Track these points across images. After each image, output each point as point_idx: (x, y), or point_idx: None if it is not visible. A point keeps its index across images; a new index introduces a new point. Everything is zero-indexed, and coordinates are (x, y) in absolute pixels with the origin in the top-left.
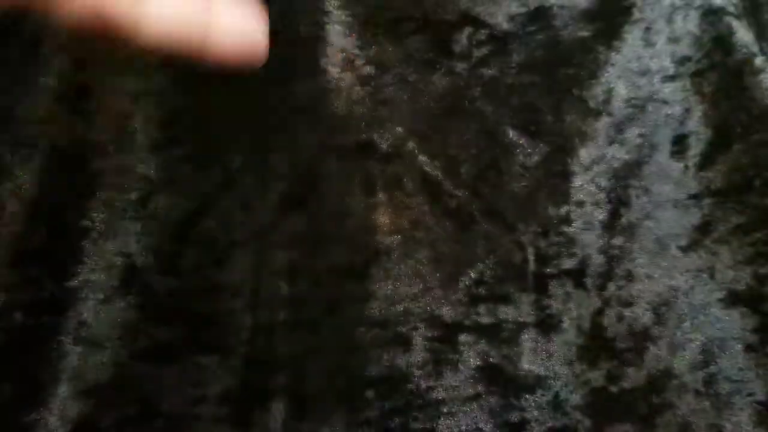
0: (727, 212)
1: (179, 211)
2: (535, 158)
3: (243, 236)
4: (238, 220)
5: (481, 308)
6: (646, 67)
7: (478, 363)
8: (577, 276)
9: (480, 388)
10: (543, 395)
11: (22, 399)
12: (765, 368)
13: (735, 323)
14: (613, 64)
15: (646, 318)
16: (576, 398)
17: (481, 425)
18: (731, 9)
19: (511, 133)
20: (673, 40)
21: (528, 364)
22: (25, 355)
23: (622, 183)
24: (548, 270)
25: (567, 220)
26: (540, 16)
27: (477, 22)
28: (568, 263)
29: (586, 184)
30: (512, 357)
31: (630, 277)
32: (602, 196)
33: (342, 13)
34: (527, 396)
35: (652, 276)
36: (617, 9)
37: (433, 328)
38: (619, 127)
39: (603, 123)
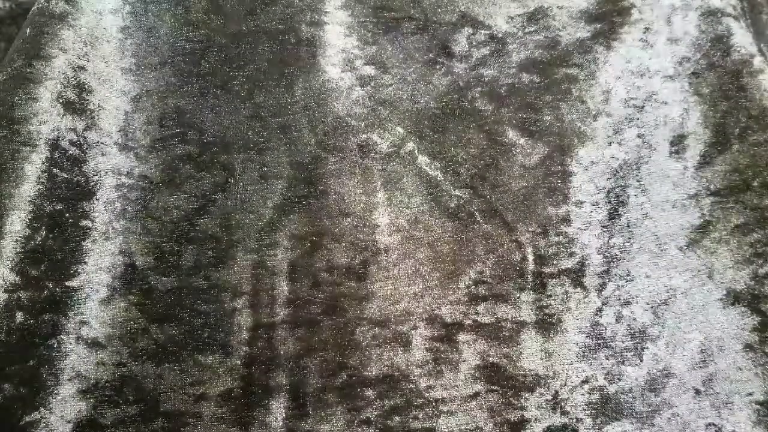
0: (726, 212)
1: (179, 211)
2: (535, 158)
3: (243, 236)
4: (238, 220)
5: (481, 307)
6: (645, 67)
7: (477, 362)
8: (577, 275)
9: (480, 387)
10: (542, 394)
11: (22, 399)
12: (764, 368)
13: (734, 323)
14: (611, 65)
15: (645, 317)
16: (575, 397)
17: (480, 424)
18: (730, 10)
19: (511, 133)
20: (672, 40)
21: (527, 364)
22: (25, 355)
23: (621, 183)
24: (547, 269)
25: (566, 220)
26: (539, 16)
27: (477, 23)
28: (568, 263)
29: (585, 184)
30: (512, 356)
31: (629, 276)
32: (601, 196)
33: (342, 13)
34: (527, 395)
35: (651, 275)
36: (616, 9)
37: (432, 327)
38: (618, 128)
39: (602, 123)
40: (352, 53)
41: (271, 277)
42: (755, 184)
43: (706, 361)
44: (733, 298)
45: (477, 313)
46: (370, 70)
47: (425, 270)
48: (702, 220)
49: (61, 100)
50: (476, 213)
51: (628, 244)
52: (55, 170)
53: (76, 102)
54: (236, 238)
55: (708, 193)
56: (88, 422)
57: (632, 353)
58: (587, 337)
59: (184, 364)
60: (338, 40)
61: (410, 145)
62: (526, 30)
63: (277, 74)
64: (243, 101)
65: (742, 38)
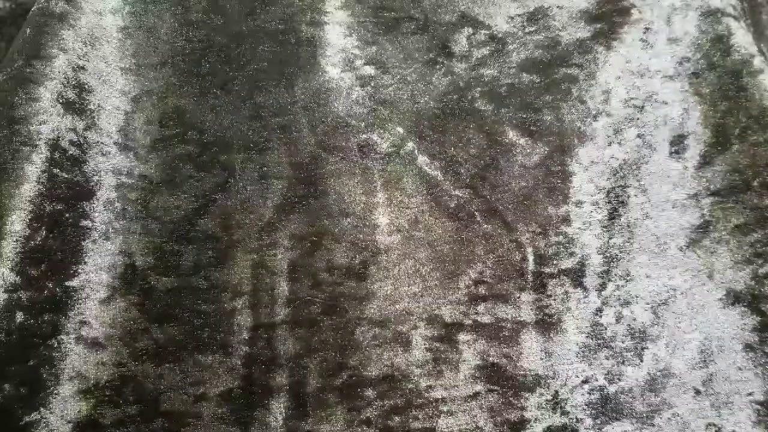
0: (726, 212)
1: (179, 211)
2: (535, 158)
3: (243, 236)
4: (238, 220)
5: (481, 307)
6: (645, 67)
7: (477, 362)
8: (576, 275)
9: (480, 387)
10: (542, 394)
11: (22, 399)
12: (764, 368)
13: (734, 323)
14: (611, 65)
15: (645, 317)
16: (575, 397)
17: (480, 424)
18: (730, 10)
19: (511, 133)
20: (672, 40)
21: (527, 364)
22: (25, 355)
23: (621, 183)
24: (547, 269)
25: (566, 220)
26: (539, 16)
27: (477, 23)
28: (568, 263)
29: (585, 184)
30: (512, 356)
31: (629, 276)
32: (601, 196)
33: (342, 13)
34: (527, 395)
35: (651, 275)
36: (616, 9)
37: (432, 327)
38: (618, 128)
39: (602, 123)
40: (352, 53)
41: (271, 277)
42: (755, 184)
43: (706, 361)
44: (733, 298)
45: (477, 313)
46: (370, 70)
47: (425, 270)
48: (702, 220)
49: (61, 100)
50: (476, 213)
51: (628, 244)
52: (55, 170)
53: (76, 102)
54: (236, 238)
55: (708, 193)
56: (88, 422)
57: (632, 353)
58: (587, 337)
59: (184, 364)
60: (338, 40)
61: (410, 145)
62: (526, 30)
63: (277, 74)
64: (243, 101)
65: (742, 38)
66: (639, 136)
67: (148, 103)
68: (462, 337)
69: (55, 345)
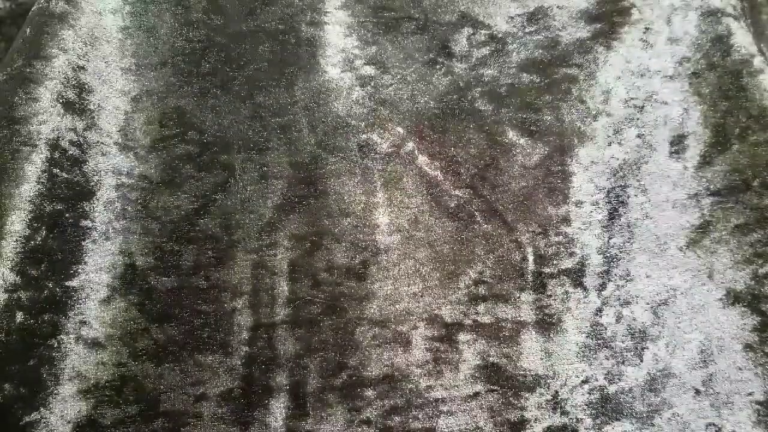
0: (726, 212)
1: (179, 211)
2: (535, 158)
3: (243, 236)
4: (238, 220)
5: (481, 307)
6: (645, 67)
7: (477, 362)
8: (576, 275)
9: (480, 387)
10: (542, 394)
11: (22, 399)
12: (764, 368)
13: (734, 323)
14: (611, 65)
15: (645, 317)
16: (575, 397)
17: (480, 424)
18: (730, 10)
19: (511, 133)
20: (672, 40)
21: (527, 364)
22: (25, 355)
23: (621, 183)
24: (547, 269)
25: (566, 220)
26: (539, 16)
27: (477, 23)
28: (568, 263)
29: (585, 184)
30: (512, 356)
31: (629, 276)
32: (601, 196)
33: (342, 13)
34: (527, 395)
35: (651, 275)
36: (616, 9)
37: (432, 327)
38: (618, 128)
39: (602, 123)
40: (352, 53)
41: (271, 277)
42: (755, 184)
43: (706, 361)
44: (733, 298)
45: (477, 313)
46: (370, 70)
47: (425, 270)
48: (702, 220)
49: (61, 100)
50: (476, 213)
51: (628, 244)
52: (55, 170)
53: (76, 102)
54: (236, 238)
55: (708, 193)
56: (88, 422)
57: (632, 353)
58: (587, 337)
59: (184, 364)
60: (338, 40)
61: (410, 145)
62: (526, 30)
63: (277, 74)
64: (243, 101)
65: (742, 38)
66: (639, 136)
67: (148, 103)
68: (462, 337)
69: (55, 345)
